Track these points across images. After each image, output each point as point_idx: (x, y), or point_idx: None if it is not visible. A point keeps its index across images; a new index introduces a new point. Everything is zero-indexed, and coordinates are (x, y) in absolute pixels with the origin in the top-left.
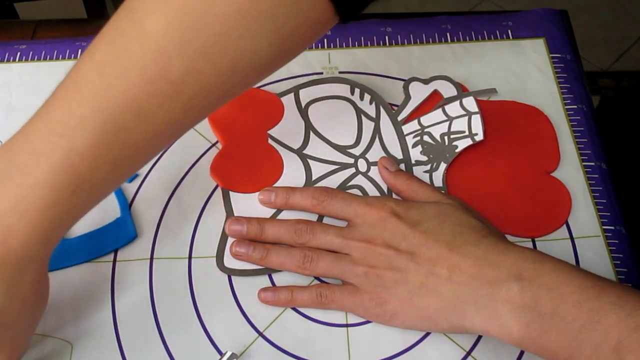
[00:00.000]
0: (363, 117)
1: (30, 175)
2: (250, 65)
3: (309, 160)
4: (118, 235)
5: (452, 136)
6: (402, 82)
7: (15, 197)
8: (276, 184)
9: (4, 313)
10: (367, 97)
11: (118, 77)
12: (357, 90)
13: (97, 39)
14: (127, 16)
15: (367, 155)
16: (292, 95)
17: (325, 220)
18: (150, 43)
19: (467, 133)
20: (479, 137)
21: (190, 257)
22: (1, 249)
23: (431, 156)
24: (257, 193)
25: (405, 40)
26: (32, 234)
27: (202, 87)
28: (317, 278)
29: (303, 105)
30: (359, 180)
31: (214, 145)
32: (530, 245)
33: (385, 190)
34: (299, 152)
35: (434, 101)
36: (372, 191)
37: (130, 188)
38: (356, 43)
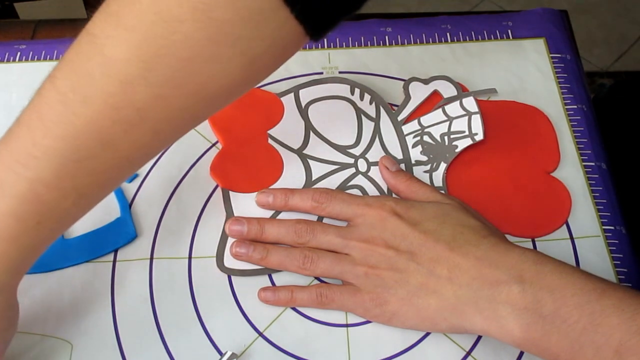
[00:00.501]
0: (363, 117)
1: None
2: (220, 89)
3: (309, 160)
4: (118, 235)
5: (452, 136)
6: (402, 82)
7: None
8: (276, 184)
9: None
10: (367, 97)
11: (81, 104)
12: (357, 90)
13: (58, 65)
14: (88, 42)
15: (367, 155)
16: (292, 95)
17: (325, 220)
18: (113, 70)
19: (467, 133)
20: (479, 137)
21: (190, 257)
22: None
23: (431, 156)
24: (257, 193)
25: (405, 40)
26: (0, 265)
27: (169, 113)
28: (317, 278)
29: (303, 105)
30: (359, 180)
31: (214, 145)
32: (530, 245)
33: (385, 190)
34: (299, 152)
35: (434, 101)
36: (372, 191)
37: (130, 188)
38: (356, 43)
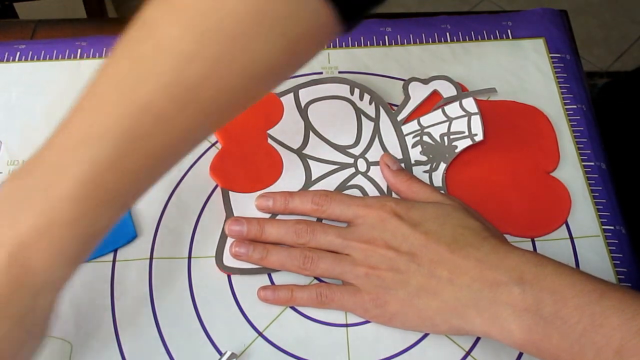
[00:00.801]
0: (363, 117)
1: (53, 190)
2: (264, 69)
3: (308, 160)
4: (118, 235)
5: (451, 136)
6: (402, 82)
7: (36, 213)
8: (276, 184)
9: (7, 342)
10: (366, 97)
11: (135, 84)
12: (356, 90)
13: (111, 53)
14: (140, 27)
15: (366, 155)
16: (291, 95)
17: (325, 220)
18: (166, 48)
19: (466, 133)
20: (479, 137)
21: (190, 257)
22: (18, 271)
23: (431, 156)
24: (257, 193)
25: (405, 40)
26: (53, 254)
27: (219, 92)
28: (316, 278)
29: (303, 105)
30: (359, 180)
31: (213, 145)
32: (529, 245)
33: (385, 190)
34: (299, 152)
35: (434, 101)
36: (371, 191)
37: None
38: (356, 43)
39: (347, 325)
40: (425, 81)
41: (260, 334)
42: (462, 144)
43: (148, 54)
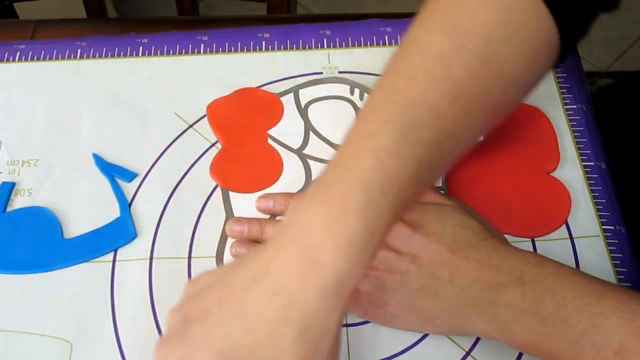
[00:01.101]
0: None
1: (341, 182)
2: (513, 74)
3: (308, 160)
4: (118, 235)
5: None
6: None
7: (325, 206)
8: (275, 184)
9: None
10: (366, 97)
11: (407, 81)
12: (356, 91)
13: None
14: (405, 44)
15: None
16: (291, 95)
17: None
18: (430, 51)
19: None
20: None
21: (190, 257)
22: (312, 265)
23: None
24: (257, 193)
25: None
26: (343, 246)
27: (480, 89)
28: None
29: (303, 105)
30: None
31: (213, 145)
32: (529, 245)
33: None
34: (299, 152)
35: None
36: None
37: (129, 188)
38: (356, 43)
39: (346, 325)
40: None
41: None
42: None
43: (414, 58)
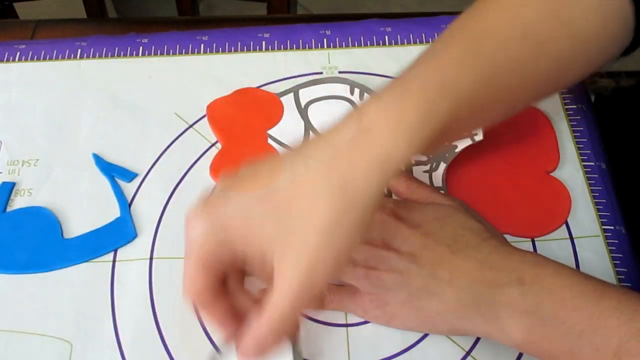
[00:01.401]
0: None
1: (401, 81)
2: (583, 30)
3: None
4: (118, 235)
5: None
6: None
7: (384, 95)
8: None
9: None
10: (366, 97)
11: (479, 14)
12: (356, 90)
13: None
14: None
15: None
16: (291, 95)
17: None
18: (494, 32)
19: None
20: (479, 137)
21: None
22: (362, 133)
23: (430, 156)
24: None
25: (405, 40)
26: (393, 123)
27: (547, 36)
28: None
29: (303, 105)
30: None
31: (213, 145)
32: (529, 245)
33: (385, 191)
34: None
35: None
36: None
37: (130, 188)
38: (356, 43)
39: (347, 325)
40: None
41: None
42: (462, 144)
43: (483, 40)
